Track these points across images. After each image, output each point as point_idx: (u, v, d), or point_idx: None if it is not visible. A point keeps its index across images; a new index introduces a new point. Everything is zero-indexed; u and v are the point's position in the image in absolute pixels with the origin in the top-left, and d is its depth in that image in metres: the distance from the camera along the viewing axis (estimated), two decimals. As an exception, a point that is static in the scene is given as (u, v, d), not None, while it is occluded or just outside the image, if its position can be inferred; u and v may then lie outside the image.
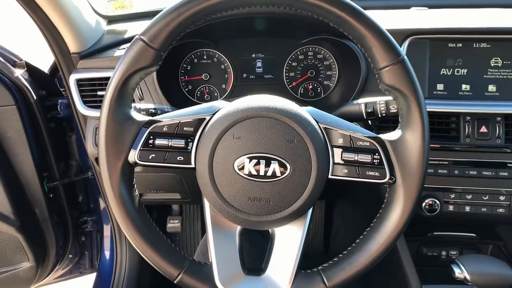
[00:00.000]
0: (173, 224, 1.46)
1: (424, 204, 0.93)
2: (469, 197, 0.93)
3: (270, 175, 0.56)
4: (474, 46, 0.92)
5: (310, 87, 1.08)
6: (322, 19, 0.56)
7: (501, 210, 0.93)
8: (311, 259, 0.67)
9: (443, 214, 0.94)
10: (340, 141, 0.59)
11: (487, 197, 0.93)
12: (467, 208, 0.94)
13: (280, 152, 0.56)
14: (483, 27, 0.91)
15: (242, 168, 0.56)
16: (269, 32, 1.04)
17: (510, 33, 0.90)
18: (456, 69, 0.93)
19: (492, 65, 0.92)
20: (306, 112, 0.60)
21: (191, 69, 1.08)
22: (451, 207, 0.94)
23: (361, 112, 0.74)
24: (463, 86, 0.93)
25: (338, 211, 1.60)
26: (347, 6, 0.54)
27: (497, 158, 0.91)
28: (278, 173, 0.56)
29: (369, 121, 0.91)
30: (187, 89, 1.08)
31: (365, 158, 0.58)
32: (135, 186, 0.61)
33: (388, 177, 0.58)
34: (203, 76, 1.07)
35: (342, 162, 0.59)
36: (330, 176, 0.59)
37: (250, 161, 0.56)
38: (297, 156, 0.56)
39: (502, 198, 0.92)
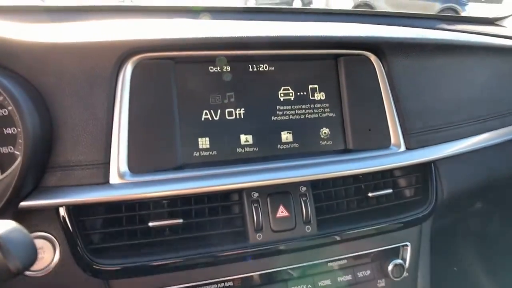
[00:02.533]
0: None
1: None
2: None
3: None
4: (250, 69, 0.54)
5: None
6: None
7: None
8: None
9: None
10: None
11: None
12: None
13: None
14: (260, 36, 0.53)
15: None
16: None
17: (299, 46, 0.55)
18: (227, 110, 0.53)
19: (282, 99, 0.55)
20: None
21: None
22: None
23: None
24: (242, 137, 0.53)
25: None
26: None
27: (312, 257, 0.53)
28: None
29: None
30: None
31: None
32: None
33: None
34: None
35: None
36: None
37: None
38: None
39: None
